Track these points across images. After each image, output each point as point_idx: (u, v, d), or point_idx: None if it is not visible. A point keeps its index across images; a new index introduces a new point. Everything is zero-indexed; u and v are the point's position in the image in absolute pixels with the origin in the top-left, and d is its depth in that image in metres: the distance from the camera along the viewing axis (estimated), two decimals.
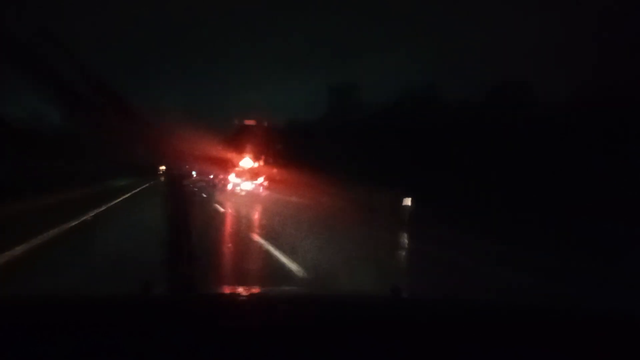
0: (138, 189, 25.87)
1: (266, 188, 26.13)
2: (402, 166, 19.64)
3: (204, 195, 22.03)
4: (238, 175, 28.18)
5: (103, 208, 13.63)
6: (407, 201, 13.96)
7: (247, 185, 26.61)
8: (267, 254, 7.20)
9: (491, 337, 1.38)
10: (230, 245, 8.73)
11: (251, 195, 24.13)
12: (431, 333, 1.39)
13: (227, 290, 2.24)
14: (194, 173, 64.97)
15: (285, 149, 30.83)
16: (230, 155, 33.32)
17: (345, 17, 48.41)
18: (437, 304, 1.88)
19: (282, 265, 6.26)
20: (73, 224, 9.70)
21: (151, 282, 1.79)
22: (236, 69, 65.80)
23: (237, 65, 67.06)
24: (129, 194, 21.71)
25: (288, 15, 58.62)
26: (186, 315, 1.45)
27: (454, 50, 30.60)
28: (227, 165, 31.43)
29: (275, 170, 28.45)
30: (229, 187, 27.43)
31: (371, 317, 1.56)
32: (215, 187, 28.86)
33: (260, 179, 27.07)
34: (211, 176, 40.22)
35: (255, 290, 2.60)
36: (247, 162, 31.59)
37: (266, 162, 31.17)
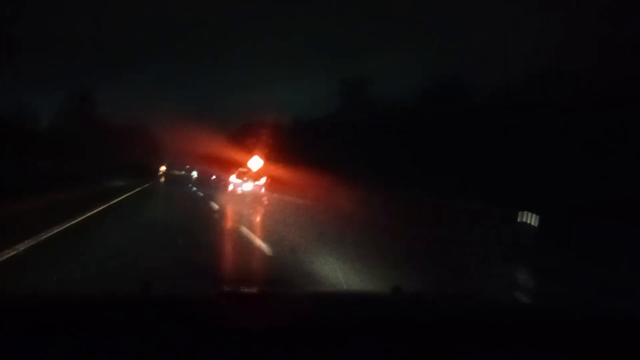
0: (134, 191, 24.25)
1: (282, 192, 24.44)
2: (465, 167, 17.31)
3: (216, 207, 17.28)
4: (247, 176, 26.70)
5: (99, 209, 13.32)
6: (530, 218, 10.03)
7: (257, 188, 24.82)
8: None
9: (491, 337, 1.38)
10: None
11: (269, 202, 21.42)
12: (431, 333, 1.39)
13: (227, 290, 2.24)
14: (194, 173, 63.63)
15: (296, 147, 29.20)
16: (236, 154, 32.19)
17: (348, 15, 48.31)
18: (437, 303, 1.88)
19: None
20: (70, 223, 9.67)
21: (151, 282, 1.79)
22: (239, 68, 65.64)
23: (241, 64, 66.89)
24: (124, 196, 19.76)
25: (291, 13, 58.38)
26: (186, 315, 1.45)
27: (454, 50, 30.50)
28: (231, 165, 30.35)
29: (290, 172, 27.00)
30: (232, 188, 26.10)
31: (371, 316, 1.56)
32: (218, 189, 27.59)
33: (263, 179, 26.15)
34: (214, 177, 39.64)
35: (256, 290, 2.60)
36: (255, 161, 30.04)
37: (277, 162, 29.47)
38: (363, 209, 14.97)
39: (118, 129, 44.48)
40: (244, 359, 1.19)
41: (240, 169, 27.45)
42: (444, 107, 20.86)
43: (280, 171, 27.87)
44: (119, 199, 18.05)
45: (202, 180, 42.51)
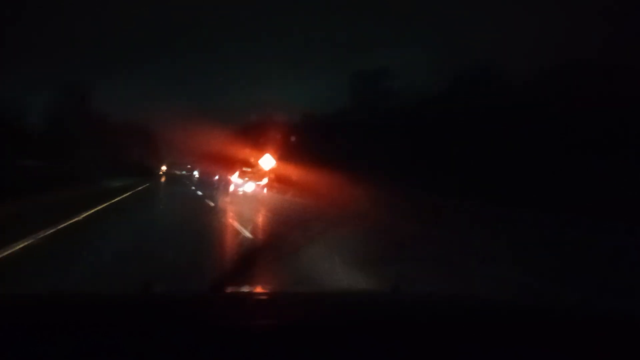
0: (133, 192, 23.43)
1: (285, 192, 23.20)
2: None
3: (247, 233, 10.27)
4: (249, 176, 25.21)
5: (96, 209, 13.23)
6: None
7: (259, 188, 23.88)
8: None
9: (491, 337, 1.38)
10: None
11: (274, 203, 19.92)
12: (431, 332, 1.39)
13: (227, 290, 2.24)
14: (195, 173, 62.33)
15: (301, 145, 27.87)
16: (241, 153, 30.98)
17: (349, 12, 47.88)
18: (437, 303, 1.88)
19: None
20: (66, 224, 9.68)
21: (151, 282, 1.80)
22: (242, 65, 65.15)
23: (243, 61, 66.30)
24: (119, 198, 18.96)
25: (299, 9, 57.81)
26: (186, 315, 1.45)
27: (457, 49, 30.20)
28: (235, 165, 29.07)
29: (294, 170, 25.67)
30: (233, 188, 24.97)
31: (371, 316, 1.56)
32: (220, 190, 26.35)
33: (265, 180, 25.29)
34: (216, 177, 38.64)
35: (256, 290, 2.61)
36: (267, 160, 28.32)
37: (284, 161, 28.19)
38: (369, 208, 14.66)
39: (118, 128, 44.39)
40: (244, 359, 1.19)
41: (243, 168, 26.48)
42: (446, 106, 20.73)
43: (286, 170, 26.99)
44: (116, 199, 17.95)
45: (204, 181, 41.46)
